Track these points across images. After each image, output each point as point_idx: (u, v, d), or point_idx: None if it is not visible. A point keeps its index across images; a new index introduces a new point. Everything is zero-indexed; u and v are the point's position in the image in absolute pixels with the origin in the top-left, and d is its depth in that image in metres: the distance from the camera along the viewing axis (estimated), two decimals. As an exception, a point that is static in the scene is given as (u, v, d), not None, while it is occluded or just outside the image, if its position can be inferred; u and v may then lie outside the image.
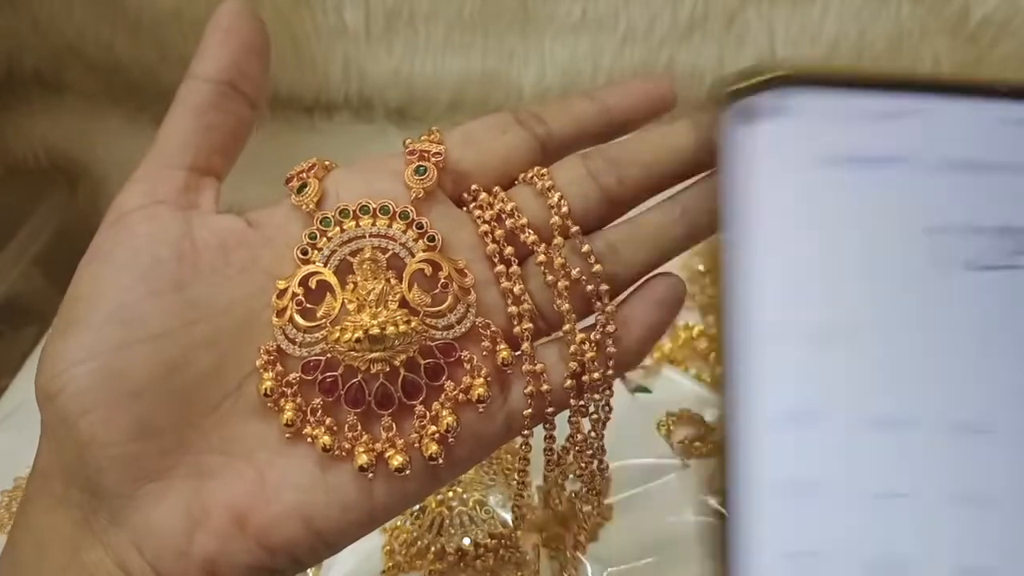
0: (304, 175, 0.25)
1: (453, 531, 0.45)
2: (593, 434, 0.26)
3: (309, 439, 0.23)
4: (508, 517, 0.45)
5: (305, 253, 0.24)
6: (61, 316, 0.23)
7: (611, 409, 0.26)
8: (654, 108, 0.26)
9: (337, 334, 0.23)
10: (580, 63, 0.57)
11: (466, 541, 0.45)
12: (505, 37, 0.59)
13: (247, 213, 0.25)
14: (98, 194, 0.63)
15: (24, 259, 0.63)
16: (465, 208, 0.26)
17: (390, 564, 0.45)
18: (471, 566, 0.44)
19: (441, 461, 0.23)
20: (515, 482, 0.28)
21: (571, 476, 0.29)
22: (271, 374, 0.23)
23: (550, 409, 0.25)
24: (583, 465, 0.27)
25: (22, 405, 0.53)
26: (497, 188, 0.25)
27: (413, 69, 0.60)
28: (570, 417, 0.26)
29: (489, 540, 0.44)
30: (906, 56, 0.57)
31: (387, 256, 0.24)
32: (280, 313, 0.23)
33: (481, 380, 0.23)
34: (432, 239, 0.24)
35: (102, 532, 0.22)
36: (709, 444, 0.49)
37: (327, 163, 0.26)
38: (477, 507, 0.46)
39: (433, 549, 0.45)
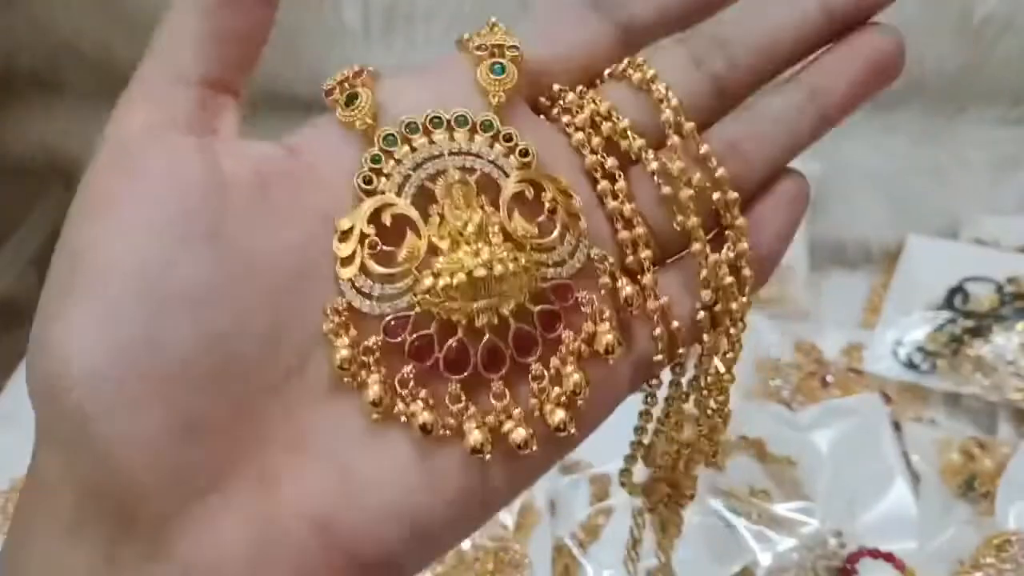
0: (350, 83, 0.20)
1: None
2: (726, 375, 0.22)
3: (403, 418, 0.18)
4: (508, 519, 0.45)
5: (369, 182, 0.19)
6: (55, 284, 0.17)
7: (742, 345, 0.22)
8: None
9: (428, 281, 0.18)
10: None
11: (465, 543, 0.44)
12: (504, 35, 0.59)
13: (281, 139, 0.20)
14: (95, 193, 0.63)
15: (21, 259, 0.63)
16: (544, 115, 0.21)
17: (389, 566, 0.45)
18: (471, 568, 0.44)
19: (573, 430, 0.19)
20: (633, 442, 0.23)
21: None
22: (345, 340, 0.18)
23: (681, 350, 0.21)
24: (709, 411, 0.22)
25: (19, 405, 0.53)
26: (582, 87, 0.21)
27: (412, 67, 0.60)
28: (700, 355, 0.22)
29: (488, 542, 0.44)
30: (908, 54, 0.57)
31: (474, 178, 0.19)
32: (347, 261, 0.18)
33: (607, 326, 0.19)
34: (526, 153, 0.20)
35: (135, 571, 0.17)
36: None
37: (372, 68, 0.21)
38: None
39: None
